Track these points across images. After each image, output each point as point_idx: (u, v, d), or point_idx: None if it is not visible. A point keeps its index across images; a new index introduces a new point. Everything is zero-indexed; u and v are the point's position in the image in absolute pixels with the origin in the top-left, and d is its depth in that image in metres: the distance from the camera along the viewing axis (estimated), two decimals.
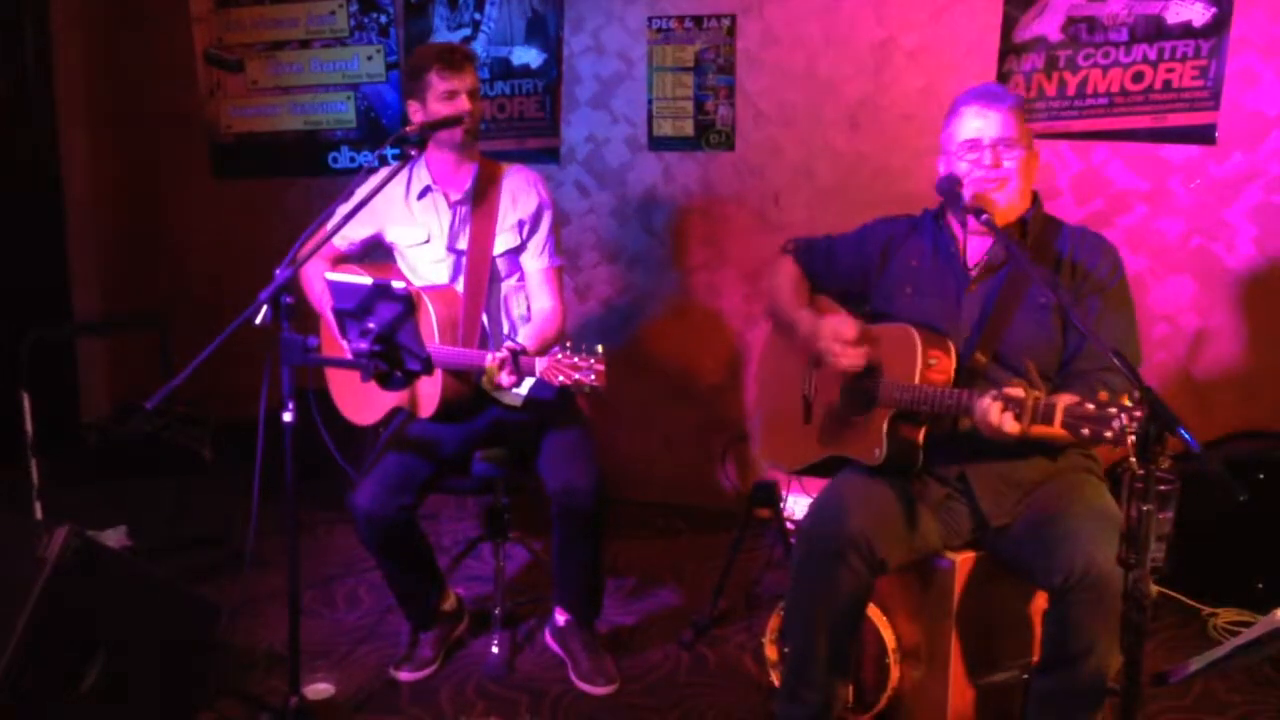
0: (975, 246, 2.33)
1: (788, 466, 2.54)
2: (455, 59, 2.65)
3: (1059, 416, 1.85)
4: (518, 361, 2.31)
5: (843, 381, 2.36)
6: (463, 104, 2.64)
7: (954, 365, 2.21)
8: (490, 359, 2.36)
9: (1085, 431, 1.79)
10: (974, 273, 2.31)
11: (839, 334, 2.28)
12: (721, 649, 2.95)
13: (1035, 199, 2.31)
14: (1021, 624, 2.32)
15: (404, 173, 2.76)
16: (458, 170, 2.76)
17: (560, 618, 2.88)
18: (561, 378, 2.23)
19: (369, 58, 4.37)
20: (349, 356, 2.40)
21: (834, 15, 3.68)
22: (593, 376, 2.21)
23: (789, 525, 3.26)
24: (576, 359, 2.22)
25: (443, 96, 2.64)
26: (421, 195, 2.77)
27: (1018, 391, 1.92)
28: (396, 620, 2.99)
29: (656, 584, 3.41)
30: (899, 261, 2.41)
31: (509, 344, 2.34)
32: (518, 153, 4.08)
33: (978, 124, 2.23)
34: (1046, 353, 2.21)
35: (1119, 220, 3.39)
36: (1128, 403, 1.69)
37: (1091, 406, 1.77)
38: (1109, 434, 1.71)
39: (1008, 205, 2.24)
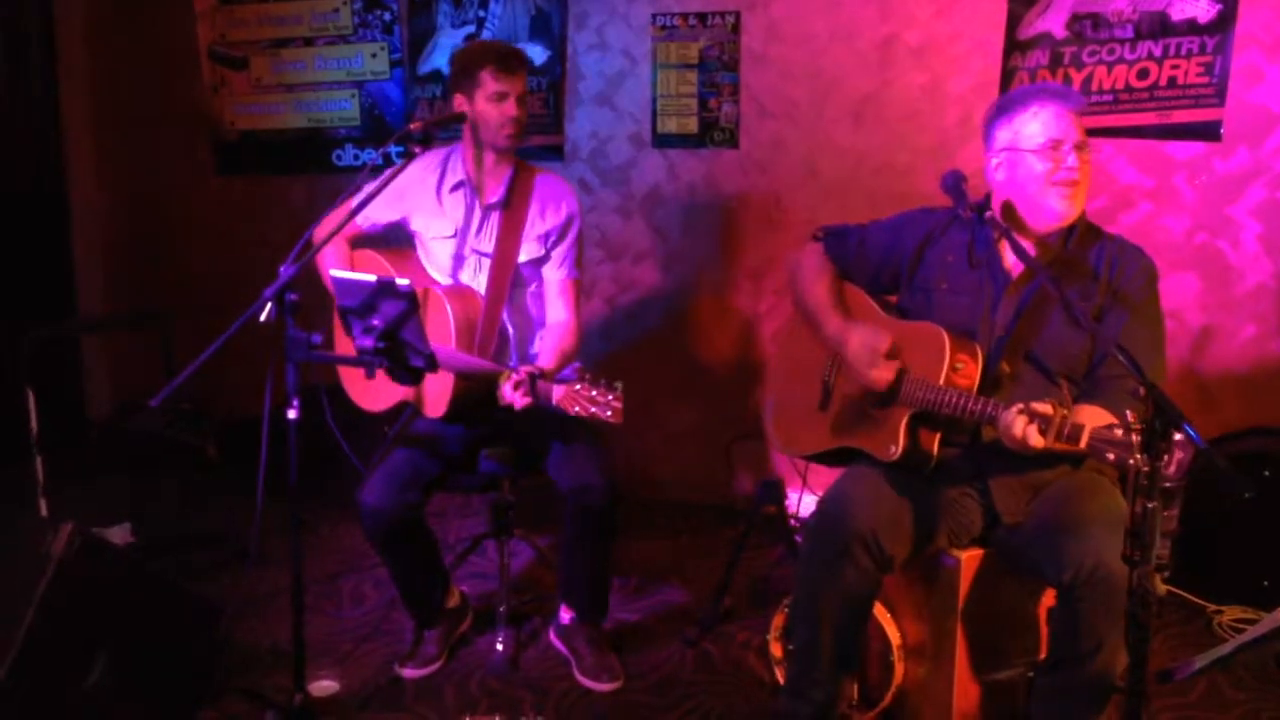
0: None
1: (797, 451, 2.52)
2: (511, 62, 2.63)
3: (1085, 439, 1.84)
4: (535, 385, 2.29)
5: None
6: (510, 108, 2.62)
7: (980, 372, 2.18)
8: (507, 375, 2.34)
9: (1110, 456, 1.79)
10: (1015, 274, 2.26)
11: (873, 346, 2.23)
12: (726, 646, 2.95)
13: None
14: (1027, 622, 2.32)
15: (438, 163, 2.76)
16: (494, 171, 2.74)
17: (565, 616, 2.88)
18: (578, 409, 2.21)
19: (373, 55, 4.37)
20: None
21: (838, 12, 3.67)
22: (609, 413, 2.18)
23: (793, 523, 3.26)
24: (595, 392, 2.19)
25: (492, 97, 2.61)
26: (454, 189, 2.76)
27: (1046, 408, 1.91)
28: (401, 617, 2.98)
29: (661, 581, 3.40)
30: (935, 255, 2.35)
31: (528, 367, 2.33)
32: (521, 149, 4.06)
33: (1061, 124, 2.15)
34: (1078, 357, 2.20)
35: (1123, 217, 3.38)
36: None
37: (1120, 432, 1.76)
38: (1134, 461, 1.67)
39: (1078, 208, 2.19)
